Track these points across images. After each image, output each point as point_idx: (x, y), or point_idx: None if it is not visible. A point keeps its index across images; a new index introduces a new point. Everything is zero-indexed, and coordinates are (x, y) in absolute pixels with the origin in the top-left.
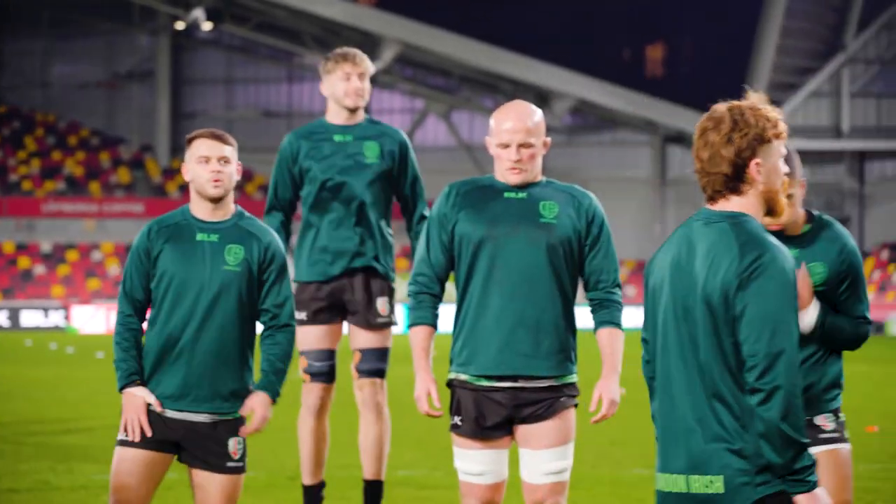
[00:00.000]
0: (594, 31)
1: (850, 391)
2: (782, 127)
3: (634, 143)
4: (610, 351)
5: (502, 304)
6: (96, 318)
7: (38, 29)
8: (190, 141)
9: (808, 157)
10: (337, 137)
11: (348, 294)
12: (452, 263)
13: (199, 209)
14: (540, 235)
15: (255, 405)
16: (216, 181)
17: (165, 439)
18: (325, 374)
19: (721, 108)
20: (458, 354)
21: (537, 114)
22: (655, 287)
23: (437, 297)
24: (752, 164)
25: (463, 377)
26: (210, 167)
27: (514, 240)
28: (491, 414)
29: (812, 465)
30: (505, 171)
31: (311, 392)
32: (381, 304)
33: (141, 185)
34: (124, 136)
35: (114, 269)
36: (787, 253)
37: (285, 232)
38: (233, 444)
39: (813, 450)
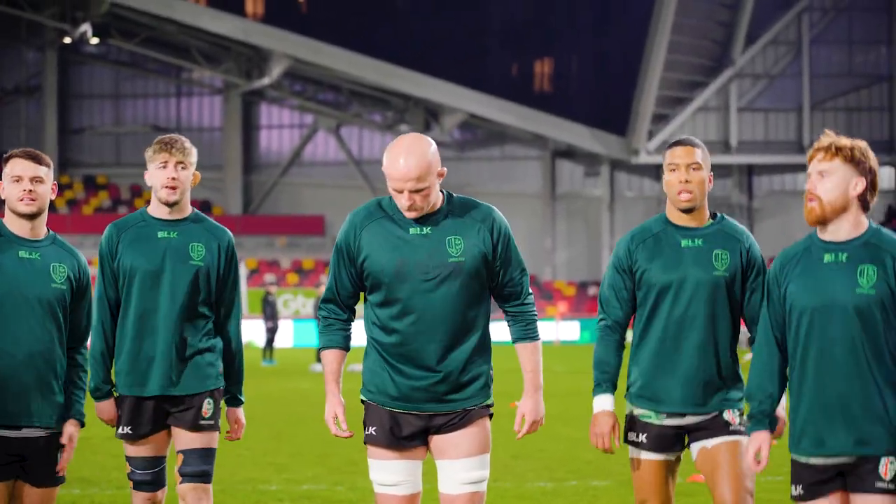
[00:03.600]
0: (483, 46)
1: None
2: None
3: (524, 158)
4: (531, 367)
5: (416, 345)
6: None
7: None
8: (6, 160)
9: None
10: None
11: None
12: (362, 285)
13: (17, 227)
14: (449, 274)
15: (73, 432)
16: (27, 200)
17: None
18: (149, 483)
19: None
20: (368, 381)
21: (428, 152)
22: None
23: (347, 321)
24: None
25: (374, 403)
26: (21, 186)
27: (429, 283)
28: (406, 426)
29: None
30: (401, 209)
31: (136, 499)
32: (206, 406)
33: None
34: (12, 151)
35: None
36: None
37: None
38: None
39: (718, 440)
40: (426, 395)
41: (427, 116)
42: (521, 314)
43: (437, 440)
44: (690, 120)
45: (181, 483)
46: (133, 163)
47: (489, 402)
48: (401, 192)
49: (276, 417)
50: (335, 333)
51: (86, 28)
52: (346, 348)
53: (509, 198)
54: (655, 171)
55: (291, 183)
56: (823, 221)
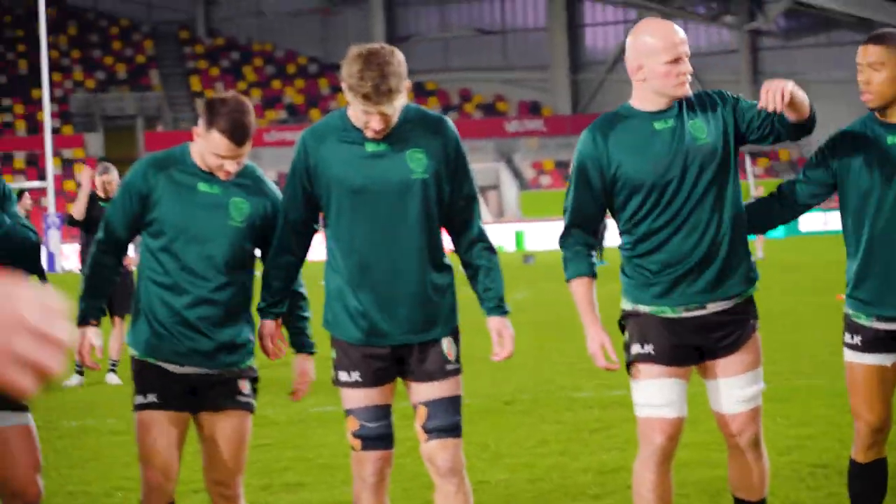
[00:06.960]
0: None
1: None
2: None
3: (852, 43)
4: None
5: (694, 239)
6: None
7: None
8: None
9: None
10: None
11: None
12: (603, 206)
13: None
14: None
15: None
16: None
17: None
18: (383, 437)
19: None
20: (640, 285)
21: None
22: None
23: (592, 246)
24: None
25: (644, 309)
26: None
27: (685, 184)
28: (682, 339)
29: None
30: (673, 86)
31: (364, 463)
32: (448, 346)
33: None
34: (341, 62)
35: None
36: None
37: None
38: None
39: None
40: (697, 294)
41: (751, 5)
42: None
43: (711, 360)
44: None
45: (427, 441)
46: (461, 67)
47: (754, 305)
48: (677, 59)
49: None
50: (582, 261)
51: None
52: (594, 275)
53: (838, 85)
54: None
55: (619, 80)
56: None
